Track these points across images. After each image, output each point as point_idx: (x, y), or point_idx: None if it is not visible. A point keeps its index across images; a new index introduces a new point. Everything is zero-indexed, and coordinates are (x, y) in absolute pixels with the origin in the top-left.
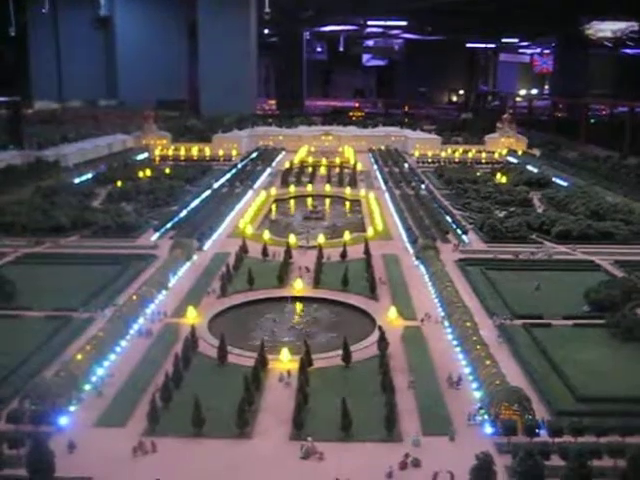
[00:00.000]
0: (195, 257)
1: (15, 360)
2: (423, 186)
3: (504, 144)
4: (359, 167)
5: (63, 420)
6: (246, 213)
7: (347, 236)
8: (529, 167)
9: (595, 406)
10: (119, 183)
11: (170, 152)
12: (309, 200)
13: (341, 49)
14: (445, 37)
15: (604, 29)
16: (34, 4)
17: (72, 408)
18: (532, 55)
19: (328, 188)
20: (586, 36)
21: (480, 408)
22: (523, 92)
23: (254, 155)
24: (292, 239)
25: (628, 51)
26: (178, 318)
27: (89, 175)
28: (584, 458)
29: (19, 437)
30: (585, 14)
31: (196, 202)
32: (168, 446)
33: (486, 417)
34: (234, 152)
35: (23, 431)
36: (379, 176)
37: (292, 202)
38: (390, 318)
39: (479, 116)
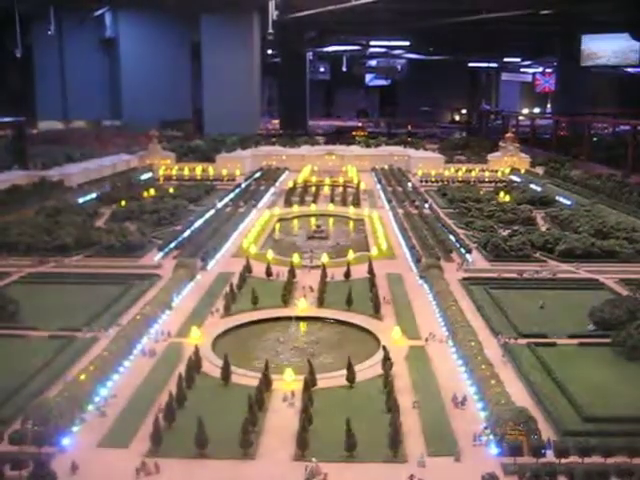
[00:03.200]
0: (199, 277)
1: (18, 380)
2: (426, 205)
3: (507, 163)
4: (362, 186)
5: (66, 441)
6: (250, 233)
7: (351, 255)
8: (532, 185)
9: (602, 426)
10: (123, 203)
11: (174, 172)
12: (312, 219)
13: (344, 69)
14: (447, 57)
15: (605, 49)
16: (40, 26)
17: (75, 429)
18: (534, 74)
19: (331, 207)
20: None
21: (485, 428)
22: (525, 111)
23: (257, 175)
24: (296, 258)
25: (629, 70)
26: (182, 338)
27: (93, 195)
28: (591, 479)
29: (21, 458)
30: (586, 34)
31: (200, 222)
32: (171, 467)
33: (491, 437)
34: (237, 172)
35: (25, 452)
36: (382, 195)
37: (295, 221)
38: (394, 338)
39: (476, 136)
